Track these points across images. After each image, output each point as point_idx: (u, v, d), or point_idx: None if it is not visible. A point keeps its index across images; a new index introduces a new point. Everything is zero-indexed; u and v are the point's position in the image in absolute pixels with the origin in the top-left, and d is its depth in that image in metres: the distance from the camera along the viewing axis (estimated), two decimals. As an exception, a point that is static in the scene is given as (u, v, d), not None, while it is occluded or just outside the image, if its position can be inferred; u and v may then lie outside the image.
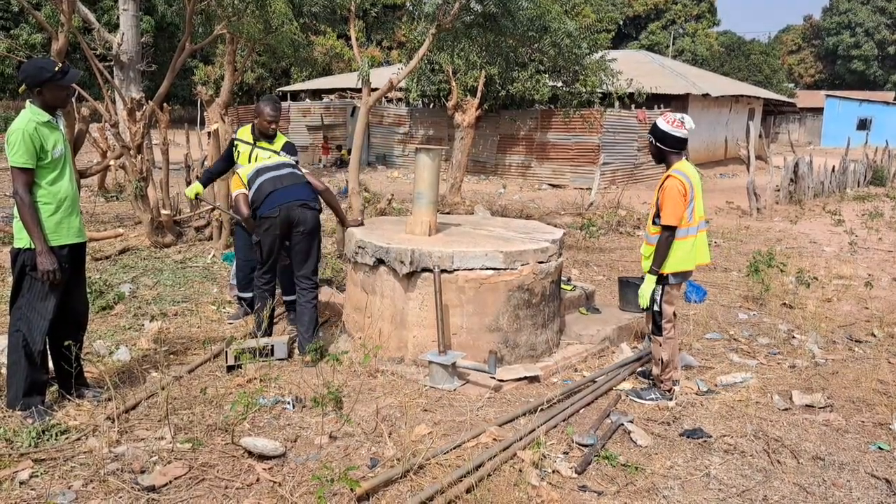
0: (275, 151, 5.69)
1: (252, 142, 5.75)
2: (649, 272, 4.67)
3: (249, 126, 5.84)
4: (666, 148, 4.66)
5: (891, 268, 9.57)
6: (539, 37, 7.98)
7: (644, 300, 4.72)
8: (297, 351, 5.35)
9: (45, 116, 3.96)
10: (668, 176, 4.61)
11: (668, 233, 4.56)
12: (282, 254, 5.48)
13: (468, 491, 3.42)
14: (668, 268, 4.64)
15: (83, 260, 4.34)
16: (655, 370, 4.85)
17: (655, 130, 4.69)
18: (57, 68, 3.97)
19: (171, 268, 7.70)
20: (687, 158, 4.81)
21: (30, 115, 3.91)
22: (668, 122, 4.64)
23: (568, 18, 8.31)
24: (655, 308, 4.73)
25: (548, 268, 5.30)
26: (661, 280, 4.69)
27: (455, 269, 4.99)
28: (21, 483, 3.44)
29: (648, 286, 4.68)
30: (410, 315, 5.10)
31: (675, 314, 4.82)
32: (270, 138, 5.75)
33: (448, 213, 11.84)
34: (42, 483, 3.45)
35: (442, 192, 13.97)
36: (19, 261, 3.99)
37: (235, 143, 5.84)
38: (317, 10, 8.36)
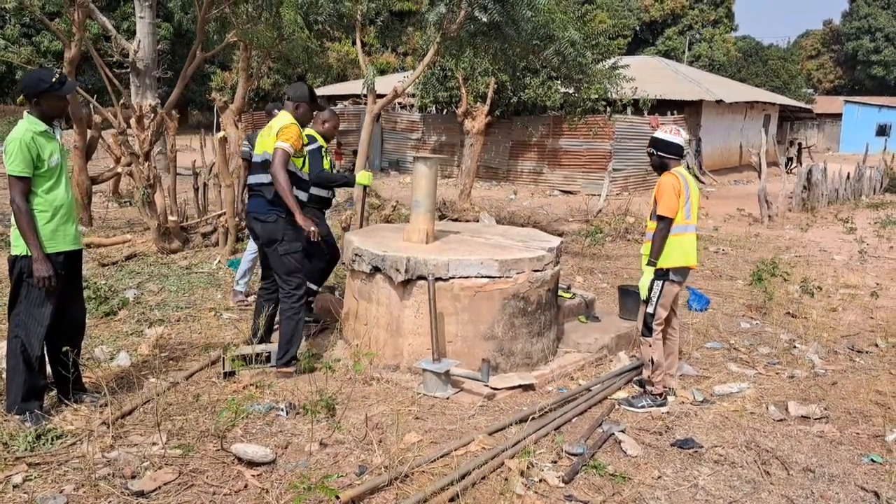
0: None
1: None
2: (647, 264, 4.80)
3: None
4: (666, 155, 4.87)
5: (900, 277, 9.47)
6: (543, 45, 8.00)
7: (643, 291, 4.84)
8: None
9: (42, 126, 4.04)
10: (665, 174, 4.82)
11: (663, 224, 4.72)
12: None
13: (452, 500, 3.44)
14: (670, 262, 4.76)
15: (80, 266, 4.41)
16: (646, 372, 4.90)
17: (657, 142, 4.90)
18: (55, 79, 4.04)
19: (177, 273, 7.79)
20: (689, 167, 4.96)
21: (27, 125, 4.00)
22: (667, 131, 4.91)
23: (572, 27, 8.30)
24: (650, 310, 4.79)
25: (544, 276, 5.31)
26: (663, 275, 4.77)
27: (450, 277, 5.02)
28: (14, 486, 3.50)
29: (647, 277, 4.81)
30: (406, 323, 5.13)
31: (668, 318, 4.90)
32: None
33: (456, 220, 11.89)
34: (35, 487, 3.51)
35: (452, 198, 14.01)
36: (16, 267, 4.07)
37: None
38: (323, 19, 8.42)
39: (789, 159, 22.74)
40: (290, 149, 5.01)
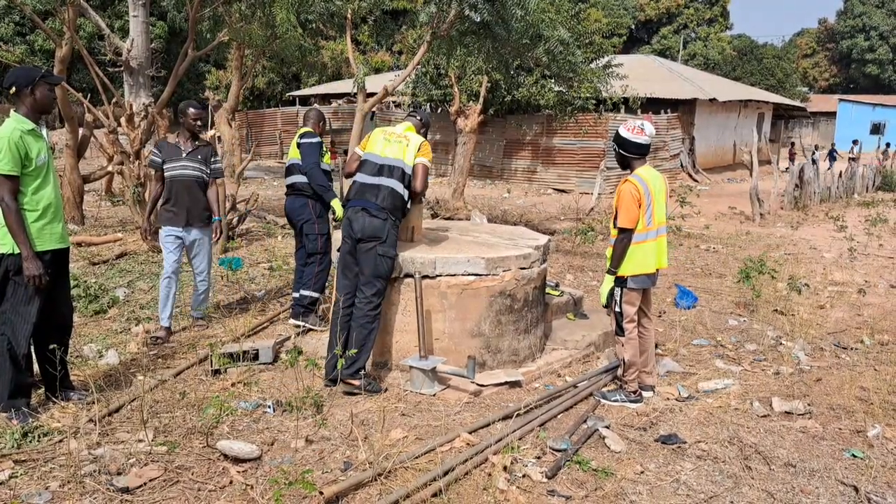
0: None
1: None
2: (607, 272, 4.83)
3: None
4: (628, 154, 4.82)
5: (889, 274, 9.53)
6: (533, 44, 8.02)
7: (602, 298, 4.89)
8: (283, 355, 5.41)
9: (30, 125, 4.07)
10: (624, 180, 4.77)
11: (623, 235, 4.72)
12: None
13: (435, 495, 3.47)
14: (627, 270, 4.77)
15: (66, 265, 4.44)
16: (619, 371, 4.93)
17: (617, 138, 4.87)
18: (45, 70, 4.13)
19: (168, 272, 7.78)
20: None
21: (14, 124, 4.02)
22: (628, 129, 4.81)
23: (563, 27, 8.33)
24: (616, 309, 4.82)
25: (530, 273, 5.35)
26: (621, 282, 4.79)
27: (437, 275, 5.05)
28: (0, 483, 3.52)
29: (606, 285, 4.85)
30: (393, 320, 5.16)
31: (637, 315, 4.92)
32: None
33: (449, 219, 11.92)
34: (20, 483, 3.54)
35: (445, 196, 14.04)
36: (3, 265, 4.08)
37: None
38: (314, 17, 8.44)
39: (832, 158, 23.20)
40: (429, 165, 5.20)
